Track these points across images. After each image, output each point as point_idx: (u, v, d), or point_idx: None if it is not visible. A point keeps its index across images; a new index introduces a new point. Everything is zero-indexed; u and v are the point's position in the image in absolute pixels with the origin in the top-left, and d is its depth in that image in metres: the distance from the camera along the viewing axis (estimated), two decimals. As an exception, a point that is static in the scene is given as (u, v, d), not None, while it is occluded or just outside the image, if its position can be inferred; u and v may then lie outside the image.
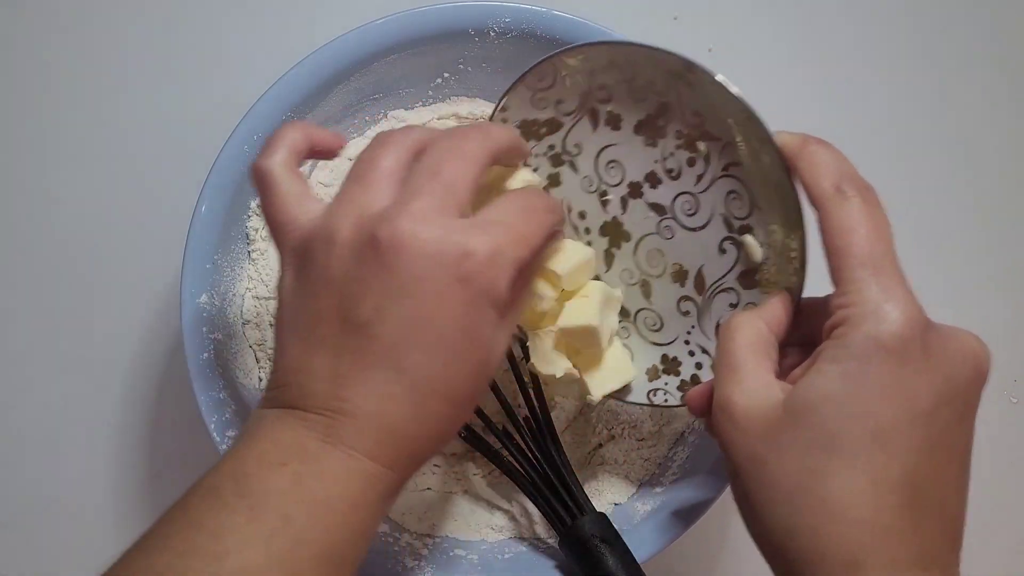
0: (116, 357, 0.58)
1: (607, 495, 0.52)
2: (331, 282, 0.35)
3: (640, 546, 0.47)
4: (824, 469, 0.34)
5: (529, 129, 0.45)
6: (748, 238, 0.43)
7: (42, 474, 0.57)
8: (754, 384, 0.37)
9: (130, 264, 0.59)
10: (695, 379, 0.46)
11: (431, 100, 0.54)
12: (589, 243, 0.47)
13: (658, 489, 0.51)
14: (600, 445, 0.53)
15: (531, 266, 0.38)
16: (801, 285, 0.40)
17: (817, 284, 0.39)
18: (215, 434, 0.47)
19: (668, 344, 0.47)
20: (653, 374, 0.48)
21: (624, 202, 0.46)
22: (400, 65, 0.52)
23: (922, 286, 0.61)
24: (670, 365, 0.47)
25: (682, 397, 0.46)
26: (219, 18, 0.61)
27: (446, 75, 0.53)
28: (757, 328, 0.38)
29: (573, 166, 0.46)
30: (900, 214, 0.59)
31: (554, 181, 0.47)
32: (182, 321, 0.48)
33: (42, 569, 0.55)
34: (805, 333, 0.39)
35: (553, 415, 0.51)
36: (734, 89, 0.39)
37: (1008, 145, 0.63)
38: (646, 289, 0.47)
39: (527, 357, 0.46)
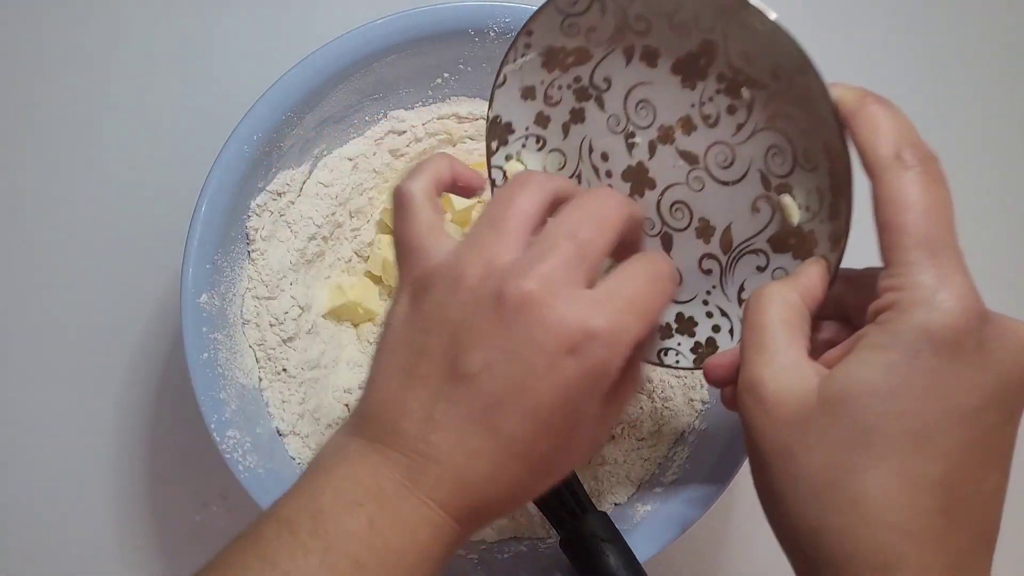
0: (116, 357, 0.58)
1: (607, 495, 0.52)
2: (446, 323, 0.34)
3: (640, 546, 0.47)
4: (857, 466, 0.32)
5: (555, 57, 0.42)
6: (786, 199, 0.39)
7: (42, 474, 0.57)
8: (786, 364, 0.34)
9: (130, 264, 0.59)
10: (711, 342, 0.44)
11: (431, 100, 0.54)
12: (609, 187, 0.44)
13: (658, 489, 0.51)
14: (600, 445, 0.53)
15: (645, 340, 0.36)
16: (840, 256, 0.37)
17: (856, 256, 0.37)
18: (215, 434, 0.47)
19: (685, 303, 0.44)
20: (665, 332, 0.45)
21: (652, 147, 0.42)
22: (400, 65, 0.52)
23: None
24: (685, 325, 0.45)
25: (695, 360, 0.44)
26: (219, 18, 0.61)
27: (446, 75, 0.53)
28: (791, 301, 0.36)
29: (600, 102, 0.42)
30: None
31: (577, 117, 0.43)
32: (182, 321, 0.48)
33: (42, 569, 0.55)
34: (841, 307, 0.37)
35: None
36: (792, 33, 0.35)
37: (1007, 142, 0.63)
38: (667, 242, 0.44)
39: None
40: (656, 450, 0.52)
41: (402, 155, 0.55)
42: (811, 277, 0.37)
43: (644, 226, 0.41)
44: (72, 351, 0.58)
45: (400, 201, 0.38)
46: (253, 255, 0.52)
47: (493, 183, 0.46)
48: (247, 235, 0.52)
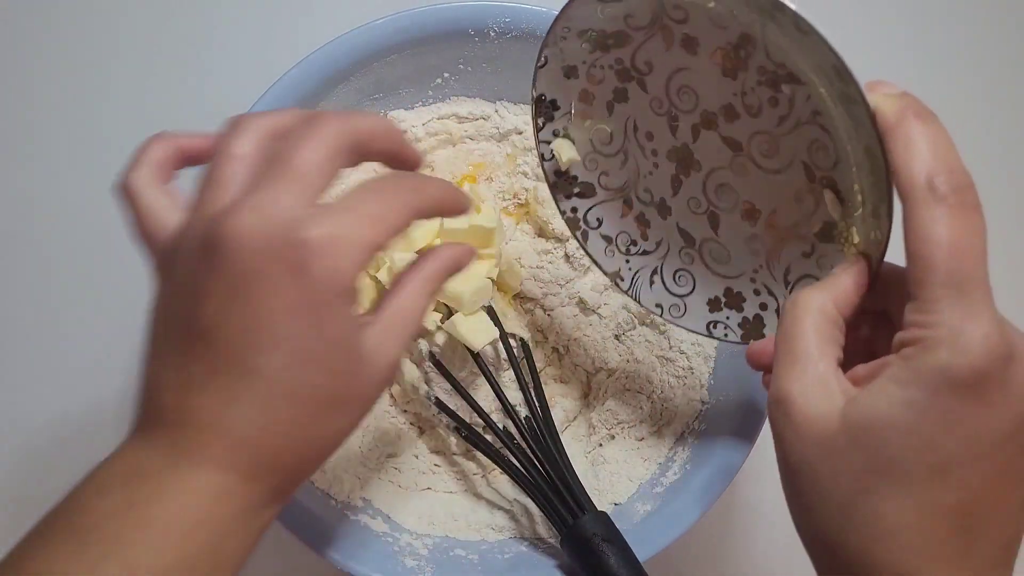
0: (115, 357, 0.58)
1: (607, 495, 0.52)
2: (181, 288, 0.33)
3: (640, 546, 0.47)
4: (877, 491, 0.32)
5: (595, 39, 0.42)
6: (829, 194, 0.39)
7: (42, 475, 0.57)
8: (815, 380, 0.34)
9: (130, 264, 0.59)
10: (758, 319, 0.45)
11: (431, 100, 0.54)
12: (656, 165, 0.45)
13: (658, 489, 0.51)
14: (600, 445, 0.53)
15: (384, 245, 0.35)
16: (881, 258, 0.36)
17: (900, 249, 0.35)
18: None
19: (734, 278, 0.46)
20: (715, 305, 0.47)
21: (696, 130, 0.43)
22: (400, 65, 0.52)
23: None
24: (733, 299, 0.46)
25: (743, 336, 0.46)
26: (219, 18, 0.61)
27: (446, 75, 0.53)
28: (826, 311, 0.35)
29: (642, 84, 0.43)
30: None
31: (620, 96, 0.44)
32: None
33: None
34: (882, 301, 0.37)
35: (553, 415, 0.51)
36: (827, 37, 0.34)
37: (1011, 143, 0.64)
38: (714, 221, 0.45)
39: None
40: (656, 450, 0.52)
41: (402, 155, 0.55)
42: (846, 282, 0.36)
43: (407, 144, 0.37)
44: (72, 351, 0.58)
45: (121, 195, 0.36)
46: (253, 255, 0.52)
47: (542, 158, 0.47)
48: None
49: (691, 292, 0.47)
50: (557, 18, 0.41)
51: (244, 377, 0.32)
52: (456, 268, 0.39)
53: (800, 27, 0.35)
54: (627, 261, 0.49)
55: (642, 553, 0.47)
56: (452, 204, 0.38)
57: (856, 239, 0.38)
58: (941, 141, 0.32)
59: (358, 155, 0.35)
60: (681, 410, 0.53)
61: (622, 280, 0.49)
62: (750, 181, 0.42)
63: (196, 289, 0.32)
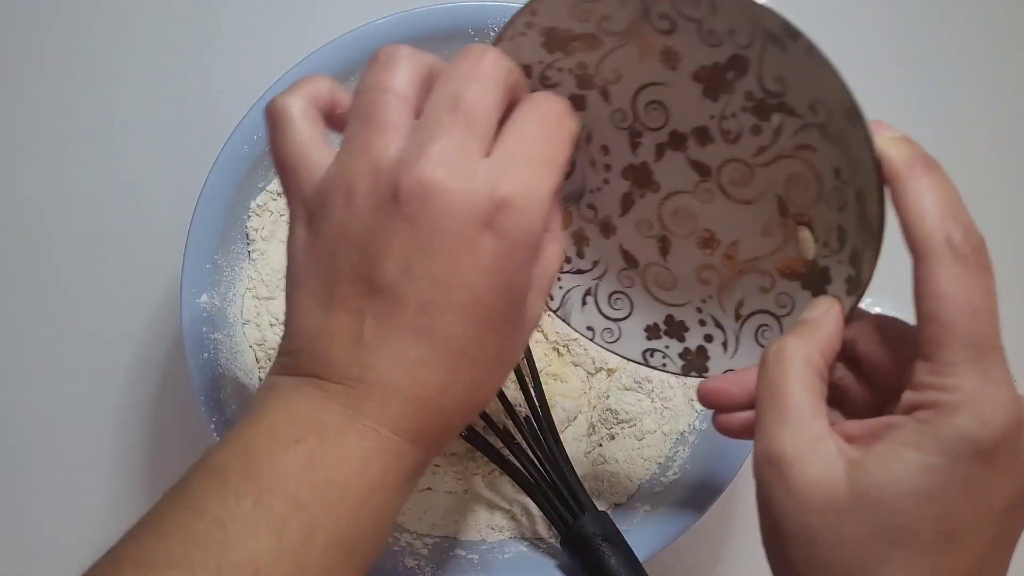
0: (116, 357, 0.58)
1: (607, 495, 0.52)
2: (351, 239, 0.31)
3: (641, 546, 0.47)
4: (886, 559, 0.31)
5: (558, 39, 0.37)
6: (804, 232, 0.37)
7: (42, 475, 0.57)
8: (810, 440, 0.32)
9: (130, 264, 0.59)
10: (701, 352, 0.42)
11: (431, 100, 0.54)
12: (607, 180, 0.42)
13: (658, 489, 0.51)
14: (600, 445, 0.53)
15: (559, 188, 0.33)
16: (855, 304, 0.35)
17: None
18: (215, 434, 0.47)
19: (677, 306, 0.43)
20: (653, 332, 0.43)
21: (660, 150, 0.40)
22: (400, 65, 0.52)
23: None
24: (675, 328, 0.43)
25: (684, 367, 0.43)
26: (219, 18, 0.61)
27: (446, 75, 0.53)
28: (814, 363, 0.33)
29: (605, 94, 0.39)
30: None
31: (577, 104, 0.39)
32: (182, 321, 0.48)
33: (42, 569, 0.55)
34: (849, 349, 0.35)
35: (553, 414, 0.51)
36: (841, 74, 0.32)
37: (1012, 146, 0.64)
38: (664, 246, 0.42)
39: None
40: (656, 450, 0.52)
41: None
42: (829, 330, 0.35)
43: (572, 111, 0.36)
44: (72, 351, 0.58)
45: (273, 116, 0.33)
46: (253, 255, 0.52)
47: None
48: (247, 235, 0.52)
49: (627, 316, 0.44)
50: (520, 11, 0.36)
51: (431, 337, 0.31)
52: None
53: (813, 57, 0.32)
54: (558, 279, 0.44)
55: (642, 553, 0.47)
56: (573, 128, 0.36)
57: (827, 280, 0.37)
58: (953, 196, 0.31)
59: (512, 98, 0.34)
60: (681, 410, 0.53)
61: (551, 299, 0.44)
62: (714, 209, 0.40)
63: (377, 242, 0.31)
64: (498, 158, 0.32)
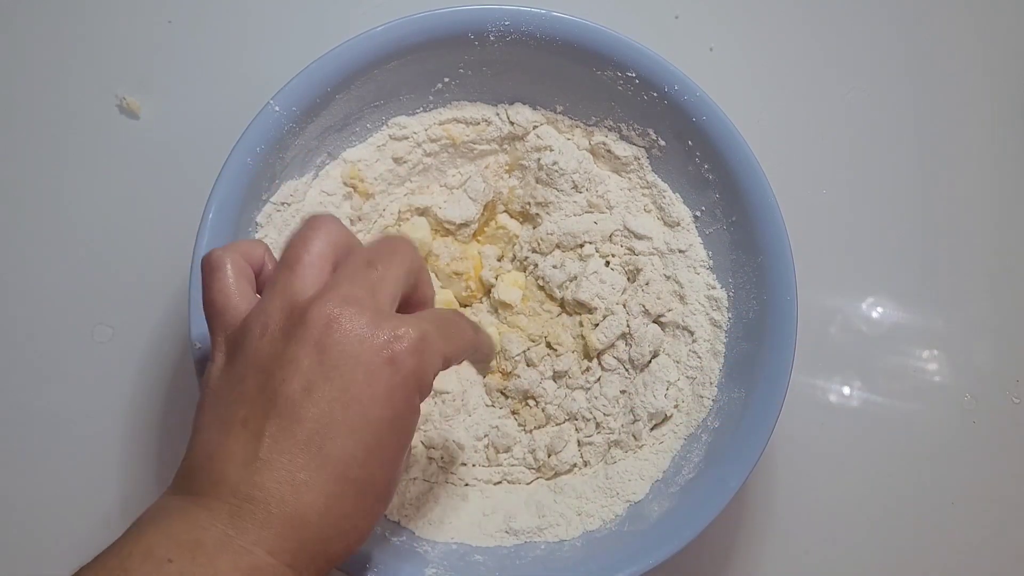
0: (125, 359, 0.58)
1: (622, 493, 0.51)
2: (261, 364, 0.34)
3: (655, 546, 0.47)
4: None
5: None
6: None
7: (48, 476, 0.57)
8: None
9: (140, 268, 0.59)
10: None
11: (432, 105, 0.54)
12: None
13: (673, 489, 0.51)
14: (612, 443, 0.53)
15: (455, 361, 0.38)
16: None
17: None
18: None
19: None
20: None
21: None
22: (401, 71, 0.52)
23: (923, 285, 0.61)
24: None
25: None
26: (221, 28, 0.62)
27: (447, 80, 0.53)
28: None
29: None
30: (906, 213, 0.59)
31: None
32: (190, 330, 0.48)
33: (45, 570, 0.55)
34: None
35: (564, 408, 0.50)
36: None
37: (1010, 146, 0.63)
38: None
39: None
40: (670, 448, 0.52)
41: (404, 161, 0.55)
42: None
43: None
44: (81, 357, 0.58)
45: (210, 266, 0.38)
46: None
47: None
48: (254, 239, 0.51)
49: None
50: None
51: (321, 459, 0.33)
52: None
53: None
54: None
55: (657, 553, 0.46)
56: (488, 352, 0.43)
57: None
58: None
59: (411, 286, 0.39)
60: (693, 408, 0.52)
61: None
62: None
63: (285, 364, 0.33)
64: (405, 314, 0.36)
